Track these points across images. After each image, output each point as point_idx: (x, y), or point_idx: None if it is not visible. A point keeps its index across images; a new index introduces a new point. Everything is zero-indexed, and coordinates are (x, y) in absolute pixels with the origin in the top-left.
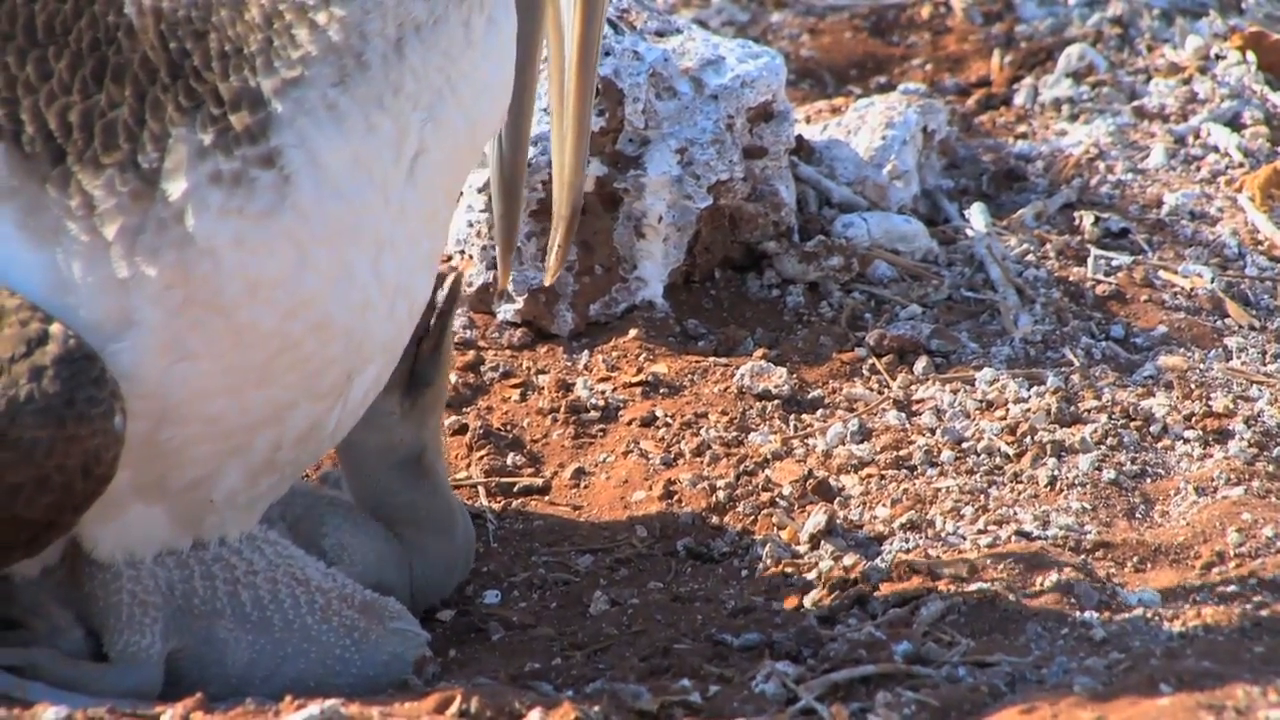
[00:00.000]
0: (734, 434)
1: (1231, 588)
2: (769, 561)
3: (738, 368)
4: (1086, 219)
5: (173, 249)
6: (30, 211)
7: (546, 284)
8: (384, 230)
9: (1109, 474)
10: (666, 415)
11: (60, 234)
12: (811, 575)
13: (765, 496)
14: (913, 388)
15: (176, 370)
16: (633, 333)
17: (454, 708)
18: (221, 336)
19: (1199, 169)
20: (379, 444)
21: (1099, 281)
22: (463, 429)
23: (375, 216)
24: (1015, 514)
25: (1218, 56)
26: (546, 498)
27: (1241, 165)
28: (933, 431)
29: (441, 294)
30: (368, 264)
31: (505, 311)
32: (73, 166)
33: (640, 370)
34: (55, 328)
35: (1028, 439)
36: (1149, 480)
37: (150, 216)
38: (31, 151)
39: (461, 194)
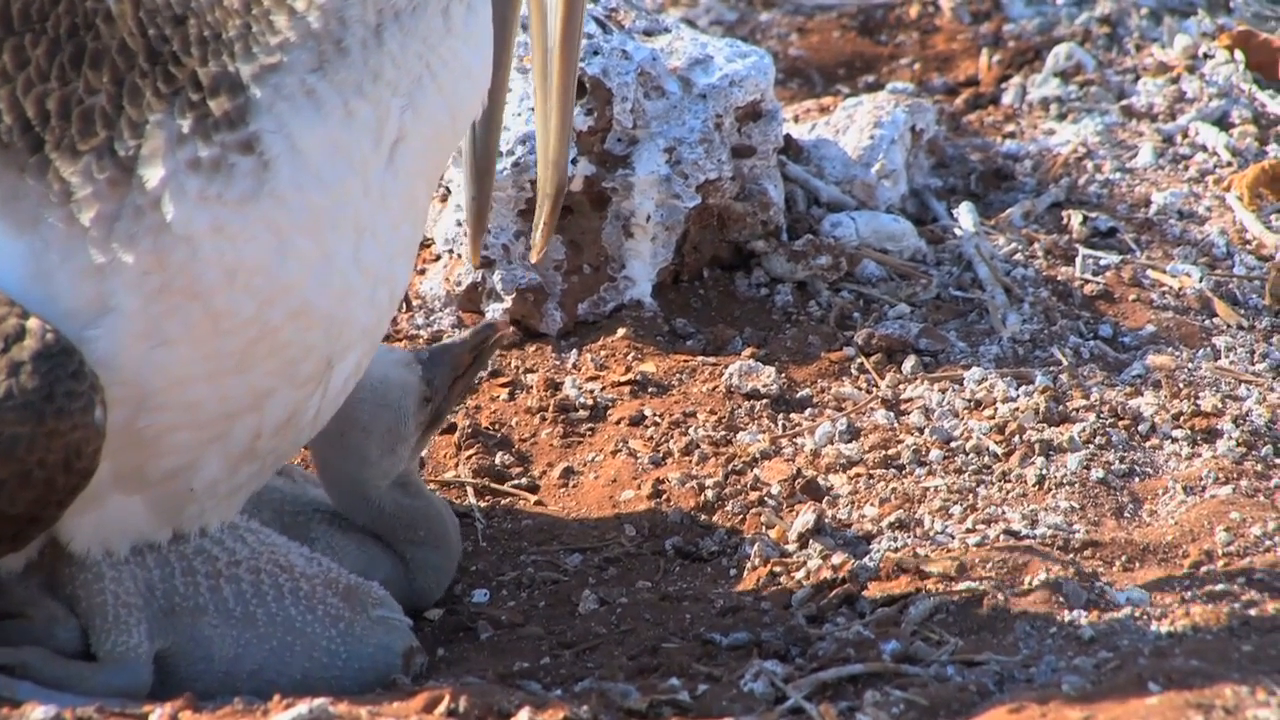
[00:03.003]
0: (722, 433)
1: (1220, 587)
2: (757, 560)
3: (726, 367)
4: (1075, 218)
5: (149, 235)
6: (8, 200)
7: (533, 260)
8: (364, 217)
9: (1097, 473)
10: (655, 414)
11: (38, 221)
12: (800, 574)
13: (754, 495)
14: (901, 387)
15: (154, 356)
16: (621, 332)
17: (442, 707)
18: (199, 323)
19: (1187, 168)
20: (387, 469)
21: (1087, 281)
22: (451, 428)
23: (355, 203)
24: (1004, 513)
25: (1206, 55)
26: (535, 497)
27: (1230, 164)
28: (921, 431)
29: (490, 342)
30: (348, 250)
31: (494, 310)
32: (50, 154)
33: (629, 369)
34: (33, 322)
35: (1016, 438)
36: (1137, 479)
37: (127, 203)
38: (9, 141)
39: (450, 193)
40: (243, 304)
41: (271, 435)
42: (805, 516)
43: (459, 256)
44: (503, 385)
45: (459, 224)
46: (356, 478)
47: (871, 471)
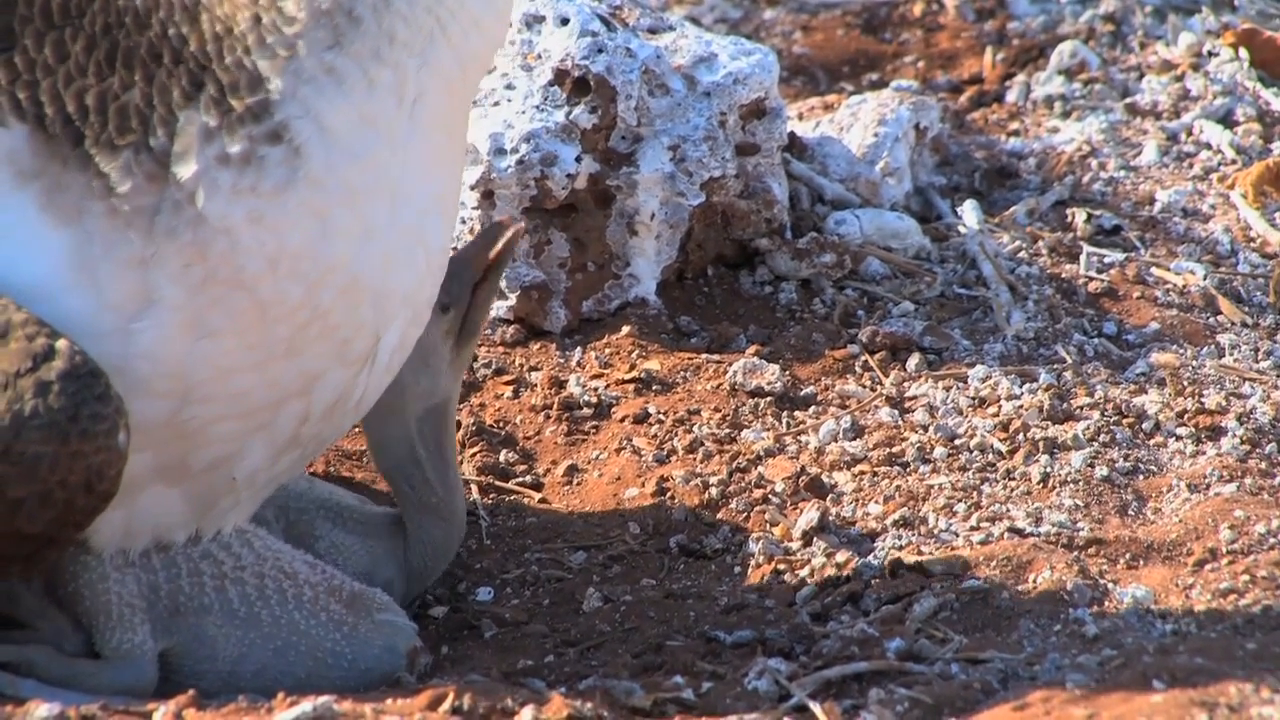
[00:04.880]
0: (727, 431)
1: (1224, 584)
2: (761, 558)
3: (730, 364)
4: (1079, 216)
5: (189, 229)
6: (53, 192)
7: None
8: (394, 179)
9: (1101, 471)
10: (659, 412)
11: (81, 213)
12: (804, 572)
13: (758, 493)
14: (905, 385)
15: (200, 348)
16: (625, 329)
17: (447, 705)
18: (246, 312)
19: (1191, 166)
20: (425, 388)
21: (1091, 278)
22: (456, 426)
23: (386, 168)
24: (1008, 511)
25: (1210, 53)
26: (539, 495)
27: (1234, 162)
28: (925, 428)
29: (501, 241)
30: (385, 217)
31: (498, 308)
32: (90, 148)
33: (633, 367)
34: (61, 343)
35: (1020, 436)
36: (1141, 477)
37: (165, 197)
38: (53, 133)
39: None
40: (290, 290)
41: (319, 420)
42: (809, 514)
43: None
44: (507, 383)
45: (463, 221)
46: (395, 405)
47: (876, 469)
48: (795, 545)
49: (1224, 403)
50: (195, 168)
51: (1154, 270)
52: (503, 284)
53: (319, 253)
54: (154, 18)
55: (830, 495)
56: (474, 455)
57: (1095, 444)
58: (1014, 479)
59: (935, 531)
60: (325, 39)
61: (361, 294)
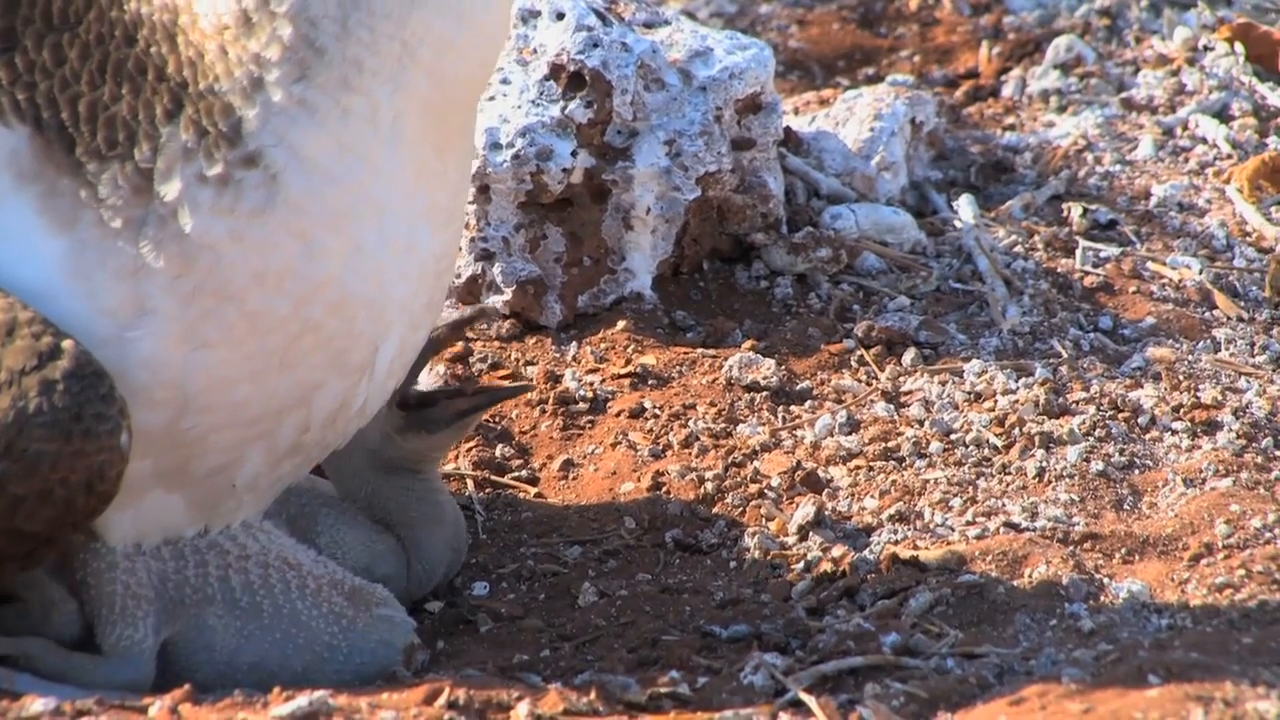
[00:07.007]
0: (722, 425)
1: (1220, 579)
2: (757, 553)
3: (726, 359)
4: (1075, 210)
5: (174, 242)
6: (49, 196)
7: None
8: (378, 196)
9: (1097, 465)
10: (655, 407)
11: (75, 221)
12: (800, 567)
13: (753, 488)
14: (901, 379)
15: (195, 359)
16: (621, 324)
17: (442, 699)
18: (236, 324)
19: (1187, 160)
20: (362, 458)
21: (1087, 273)
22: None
23: (370, 188)
24: (1003, 505)
25: (1206, 48)
26: (535, 489)
27: (1230, 157)
28: (921, 423)
29: (498, 384)
30: (374, 234)
31: (493, 303)
32: (81, 156)
33: (629, 362)
34: (68, 343)
35: (1016, 430)
36: (1137, 472)
37: (151, 211)
38: (49, 137)
39: None
40: (277, 304)
41: (319, 429)
42: (805, 509)
43: (459, 249)
44: (503, 378)
45: None
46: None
47: (871, 464)
48: (791, 540)
49: (1220, 397)
50: (178, 184)
51: (1150, 265)
52: (499, 278)
53: (304, 271)
54: (140, 33)
55: (826, 490)
56: (470, 450)
57: (1091, 438)
58: (1009, 473)
59: (931, 526)
60: (292, 73)
61: (354, 307)
